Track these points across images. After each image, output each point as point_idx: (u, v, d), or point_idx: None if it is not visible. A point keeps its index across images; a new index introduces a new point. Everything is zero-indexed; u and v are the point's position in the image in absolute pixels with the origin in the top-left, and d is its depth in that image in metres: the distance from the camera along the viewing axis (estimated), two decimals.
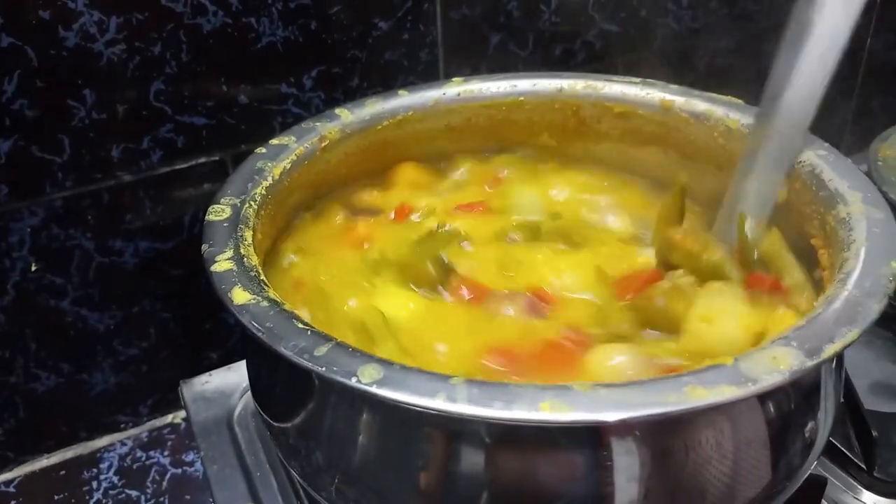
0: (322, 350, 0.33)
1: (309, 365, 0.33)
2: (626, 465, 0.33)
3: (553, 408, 0.30)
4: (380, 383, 0.31)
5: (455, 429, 0.34)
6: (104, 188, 0.58)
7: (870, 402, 0.57)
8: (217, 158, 0.61)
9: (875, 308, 0.35)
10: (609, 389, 0.31)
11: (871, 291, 0.36)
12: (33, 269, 0.58)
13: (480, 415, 0.30)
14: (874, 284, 0.36)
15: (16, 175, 0.55)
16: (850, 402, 0.55)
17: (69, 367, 0.62)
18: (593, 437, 0.33)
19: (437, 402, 0.30)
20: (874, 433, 0.53)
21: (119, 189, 0.59)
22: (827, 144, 0.48)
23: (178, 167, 0.60)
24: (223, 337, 0.68)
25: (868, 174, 0.68)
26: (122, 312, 0.63)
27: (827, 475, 0.53)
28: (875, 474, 0.53)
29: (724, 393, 0.31)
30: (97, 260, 0.60)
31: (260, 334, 0.35)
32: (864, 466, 0.53)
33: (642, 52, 0.79)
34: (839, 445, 0.54)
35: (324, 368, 0.32)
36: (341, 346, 0.34)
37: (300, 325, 0.35)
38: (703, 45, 0.82)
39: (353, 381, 0.32)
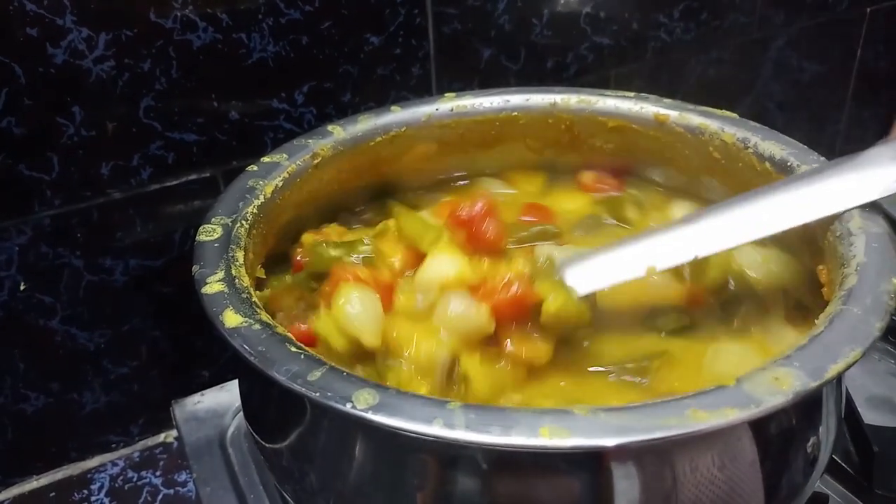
0: (315, 375, 0.32)
1: (303, 390, 0.32)
2: (627, 489, 0.33)
3: (552, 433, 0.29)
4: (375, 409, 0.31)
5: (452, 454, 0.33)
6: (93, 206, 0.57)
7: (869, 417, 0.56)
8: (208, 175, 0.61)
9: (877, 326, 0.35)
10: (609, 413, 0.30)
11: (873, 309, 0.35)
12: (22, 288, 0.57)
13: (478, 441, 0.29)
14: (875, 301, 0.36)
15: (4, 193, 0.54)
16: (849, 417, 0.55)
17: (58, 386, 0.61)
18: (593, 462, 0.32)
19: (434, 429, 0.30)
20: (875, 448, 0.52)
21: (108, 207, 0.58)
22: (822, 158, 0.48)
23: (168, 184, 0.60)
24: (215, 355, 0.68)
25: None
26: (111, 331, 0.62)
27: (828, 492, 0.53)
28: (876, 490, 0.52)
29: (727, 415, 0.30)
30: (86, 278, 0.59)
31: (252, 358, 0.34)
32: (865, 482, 0.53)
33: (634, 64, 0.78)
34: (840, 461, 0.54)
35: (318, 394, 0.32)
36: (335, 370, 0.33)
37: (293, 349, 0.34)
38: (695, 57, 0.82)
39: (347, 407, 0.31)
